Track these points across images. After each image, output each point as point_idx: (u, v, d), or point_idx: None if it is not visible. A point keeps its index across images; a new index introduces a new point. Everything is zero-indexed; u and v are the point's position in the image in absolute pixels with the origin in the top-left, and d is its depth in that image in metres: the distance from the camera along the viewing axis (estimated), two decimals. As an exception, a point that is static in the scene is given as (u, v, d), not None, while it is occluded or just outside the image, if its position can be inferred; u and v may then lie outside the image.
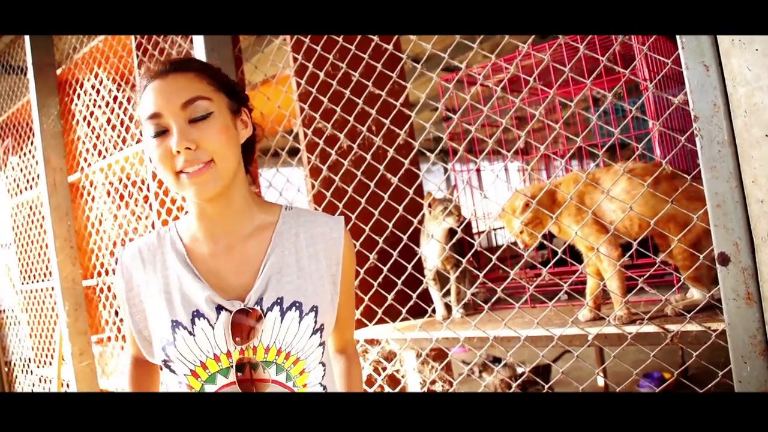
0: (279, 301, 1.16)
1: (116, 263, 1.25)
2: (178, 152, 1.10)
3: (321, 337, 1.20)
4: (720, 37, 1.20)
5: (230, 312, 1.13)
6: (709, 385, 1.47)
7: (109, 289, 3.08)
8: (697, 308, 1.53)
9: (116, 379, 3.10)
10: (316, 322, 1.18)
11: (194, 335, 1.12)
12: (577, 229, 1.63)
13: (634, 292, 1.61)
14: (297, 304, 1.16)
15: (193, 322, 1.13)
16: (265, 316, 1.14)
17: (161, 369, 1.21)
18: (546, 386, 1.82)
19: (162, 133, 1.12)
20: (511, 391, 2.17)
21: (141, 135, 2.74)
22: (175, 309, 1.15)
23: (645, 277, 1.67)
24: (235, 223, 1.21)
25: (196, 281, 1.17)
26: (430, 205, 2.07)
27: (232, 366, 1.13)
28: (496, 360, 4.61)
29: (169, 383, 1.20)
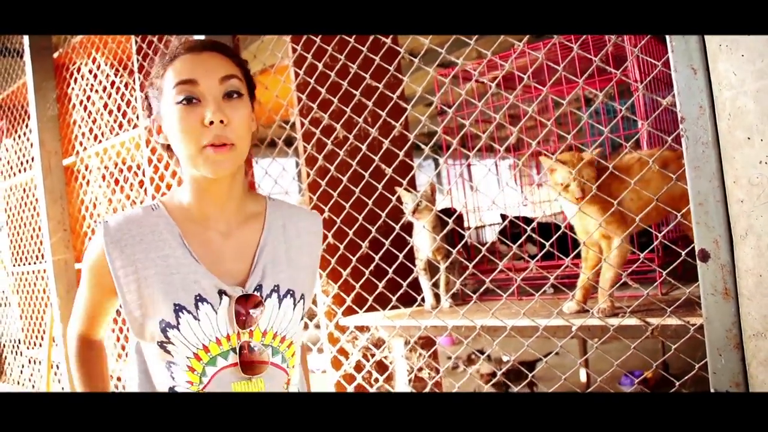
0: (276, 288, 1.21)
1: (101, 233, 1.18)
2: (211, 123, 1.10)
3: (303, 322, 1.29)
4: (708, 42, 1.24)
5: (231, 297, 1.17)
6: (685, 377, 1.53)
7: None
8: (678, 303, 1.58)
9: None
10: (303, 308, 1.26)
11: (199, 319, 1.14)
12: (602, 220, 1.65)
13: (617, 285, 1.66)
14: (291, 292, 1.23)
15: (197, 307, 1.14)
16: (264, 302, 1.19)
17: (158, 346, 1.17)
18: (530, 375, 1.88)
19: (190, 101, 1.12)
20: (494, 381, 2.22)
21: (138, 119, 2.76)
22: (177, 292, 1.15)
23: (628, 272, 1.72)
24: (232, 209, 1.23)
25: (196, 265, 1.17)
26: (399, 201, 2.11)
27: (231, 349, 1.16)
28: (482, 353, 4.67)
29: (152, 362, 1.21)
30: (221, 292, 1.17)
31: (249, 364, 1.16)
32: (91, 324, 1.30)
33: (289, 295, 1.23)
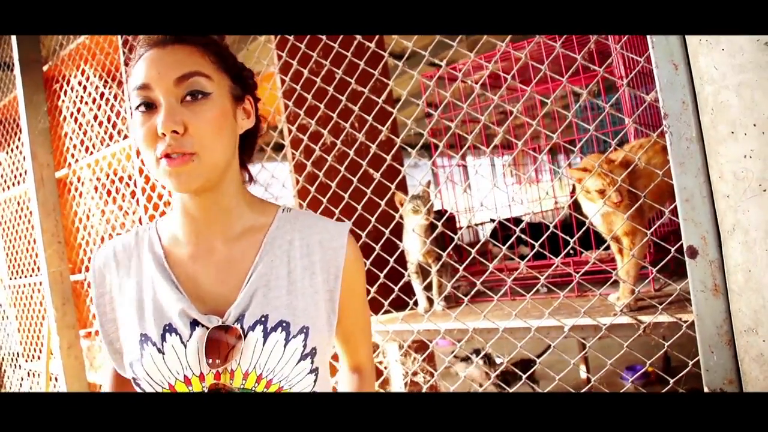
0: (263, 319, 1.00)
1: (91, 268, 1.11)
2: (164, 134, 0.94)
3: (313, 363, 1.02)
4: (688, 38, 1.24)
5: (206, 328, 0.98)
6: (680, 375, 1.52)
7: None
8: (669, 300, 1.58)
9: (104, 372, 3.12)
10: (305, 345, 1.01)
11: (164, 353, 0.98)
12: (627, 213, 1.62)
13: (609, 283, 1.65)
14: (284, 324, 1.00)
15: (163, 338, 0.99)
16: (245, 335, 0.98)
17: (134, 383, 1.04)
18: (524, 376, 1.87)
19: (148, 107, 0.97)
20: (490, 382, 2.22)
21: (128, 130, 2.76)
22: (145, 321, 1.01)
23: (608, 271, 1.71)
24: (222, 222, 1.06)
25: (171, 289, 1.03)
26: (400, 204, 2.11)
27: (204, 391, 0.98)
28: (478, 353, 4.64)
29: None
30: (194, 323, 0.99)
31: None
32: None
33: (280, 329, 1.00)
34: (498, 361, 2.84)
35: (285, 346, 0.99)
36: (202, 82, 0.98)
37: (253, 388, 0.98)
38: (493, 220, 2.35)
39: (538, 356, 3.56)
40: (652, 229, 1.60)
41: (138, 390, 1.03)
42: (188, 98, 0.97)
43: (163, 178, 0.97)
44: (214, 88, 1.00)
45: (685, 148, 1.26)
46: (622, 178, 1.61)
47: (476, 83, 1.80)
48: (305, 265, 1.06)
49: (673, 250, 1.48)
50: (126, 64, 2.66)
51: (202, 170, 0.97)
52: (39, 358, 3.68)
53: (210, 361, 0.97)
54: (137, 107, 0.98)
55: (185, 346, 0.98)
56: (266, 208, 1.13)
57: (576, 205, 1.84)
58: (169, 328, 0.99)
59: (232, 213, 1.07)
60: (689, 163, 1.26)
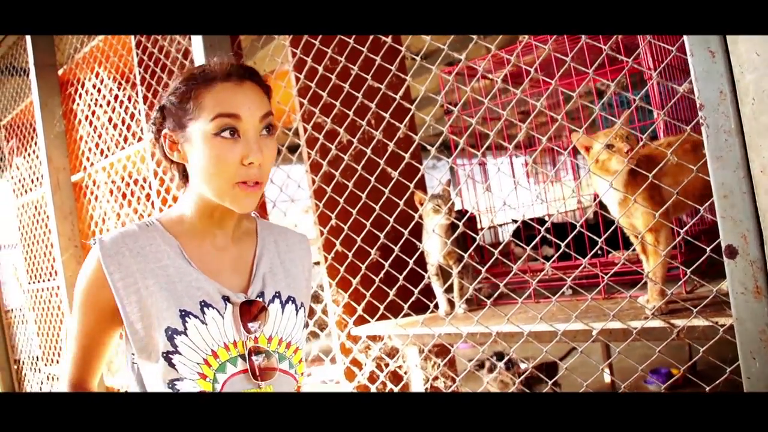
0: (278, 294, 1.24)
1: (97, 249, 1.15)
2: (250, 163, 1.10)
3: (306, 330, 1.32)
4: (726, 23, 1.17)
5: (235, 303, 1.18)
6: (717, 382, 1.44)
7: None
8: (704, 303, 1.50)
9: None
10: (305, 316, 1.30)
11: (206, 324, 1.14)
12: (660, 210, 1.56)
13: (639, 285, 1.58)
14: (292, 299, 1.26)
15: (203, 311, 1.14)
16: (267, 308, 1.20)
17: (163, 360, 1.13)
18: (550, 383, 1.80)
19: (230, 135, 1.10)
20: (514, 388, 2.15)
21: (142, 132, 2.73)
22: (182, 299, 1.14)
23: (635, 272, 1.63)
24: (230, 226, 1.24)
25: (198, 273, 1.17)
26: (420, 203, 2.05)
27: (239, 355, 1.16)
28: (500, 357, 4.56)
29: (155, 385, 1.16)
30: (225, 298, 1.17)
31: (258, 370, 1.17)
32: (86, 367, 1.23)
33: (290, 302, 1.26)
34: (523, 366, 2.77)
35: (296, 315, 1.26)
36: (273, 121, 1.16)
37: (277, 350, 1.21)
38: (515, 221, 2.27)
39: (561, 359, 3.49)
40: (686, 228, 1.52)
41: (159, 367, 1.14)
42: (266, 132, 1.14)
43: (232, 201, 1.14)
44: (275, 125, 1.19)
45: (723, 140, 1.20)
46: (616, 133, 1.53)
47: (497, 78, 1.73)
48: (290, 258, 1.32)
49: (708, 249, 1.40)
50: (140, 66, 2.64)
51: (261, 193, 1.17)
52: (58, 362, 3.68)
53: (244, 328, 1.17)
54: (220, 132, 1.10)
55: (223, 318, 1.16)
56: (248, 216, 1.34)
57: (602, 205, 1.76)
58: (205, 304, 1.15)
59: (236, 219, 1.25)
60: (728, 157, 1.19)
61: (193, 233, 1.22)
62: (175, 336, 1.12)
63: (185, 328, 1.13)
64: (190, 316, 1.13)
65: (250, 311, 1.18)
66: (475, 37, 1.59)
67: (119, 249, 1.15)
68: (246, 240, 1.28)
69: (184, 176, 1.23)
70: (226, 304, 1.17)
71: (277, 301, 1.23)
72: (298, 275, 1.31)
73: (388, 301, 1.99)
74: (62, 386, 1.26)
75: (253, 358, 1.17)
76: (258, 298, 1.21)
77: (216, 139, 1.10)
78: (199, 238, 1.22)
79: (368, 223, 1.97)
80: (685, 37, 1.23)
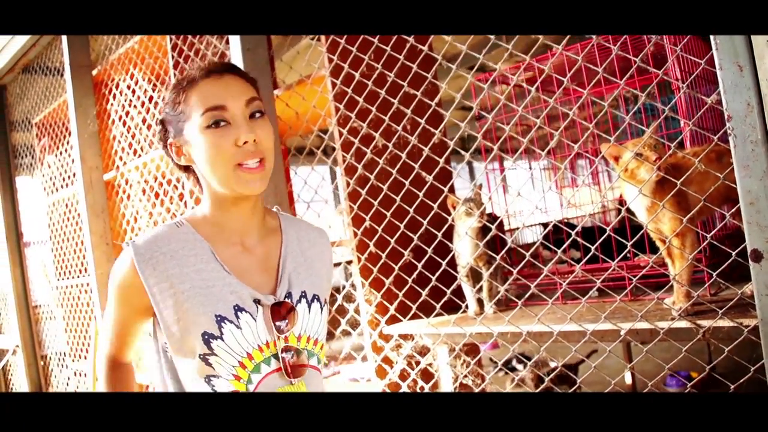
0: (304, 294, 1.28)
1: (130, 253, 1.19)
2: (245, 143, 1.16)
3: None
4: (754, 38, 1.22)
5: (266, 306, 1.22)
6: (741, 380, 1.49)
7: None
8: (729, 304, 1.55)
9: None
10: (329, 312, 1.38)
11: (241, 328, 1.18)
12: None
13: (666, 287, 1.63)
14: (317, 297, 1.31)
15: (237, 316, 1.19)
16: (295, 308, 1.25)
17: (201, 360, 1.19)
18: (579, 380, 1.86)
19: (220, 125, 1.17)
20: (543, 386, 2.20)
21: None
22: (216, 304, 1.18)
23: (661, 275, 1.69)
24: (255, 224, 1.29)
25: (230, 277, 1.22)
26: (453, 207, 2.12)
27: (272, 355, 1.21)
28: (521, 360, 4.61)
29: (190, 378, 1.22)
30: (256, 301, 1.22)
31: (291, 368, 1.21)
32: (121, 346, 1.33)
33: (315, 300, 1.30)
34: (552, 364, 2.82)
35: (321, 313, 1.30)
36: (260, 105, 1.22)
37: (306, 347, 1.25)
38: (544, 225, 2.33)
39: (582, 361, 3.53)
40: (712, 233, 1.58)
41: (189, 363, 1.20)
42: (252, 117, 1.20)
43: (237, 184, 1.18)
44: (264, 110, 1.23)
45: (749, 150, 1.25)
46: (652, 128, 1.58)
47: (529, 86, 1.80)
48: (312, 255, 1.35)
49: (734, 253, 1.45)
50: (175, 68, 2.70)
51: (266, 174, 1.20)
52: (85, 358, 3.74)
53: (276, 329, 1.21)
54: (209, 126, 1.17)
55: (256, 321, 1.20)
56: (271, 212, 1.38)
57: (629, 210, 1.82)
58: (238, 308, 1.19)
59: (260, 217, 1.30)
60: (754, 166, 1.25)
61: (220, 234, 1.26)
62: (211, 340, 1.17)
63: (221, 333, 1.17)
64: (226, 321, 1.18)
65: (280, 312, 1.22)
66: (507, 44, 1.65)
67: (153, 253, 1.19)
68: (272, 237, 1.32)
69: (198, 181, 1.29)
70: (257, 307, 1.21)
71: (303, 301, 1.27)
72: (320, 271, 1.35)
73: (420, 301, 2.04)
74: (100, 362, 1.36)
75: (284, 355, 1.21)
76: (286, 299, 1.25)
77: (209, 131, 1.16)
78: (227, 240, 1.26)
79: (402, 225, 2.02)
80: (714, 51, 1.28)
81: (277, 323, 1.22)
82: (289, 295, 1.26)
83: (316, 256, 1.36)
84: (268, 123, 1.22)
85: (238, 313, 1.19)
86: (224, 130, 1.17)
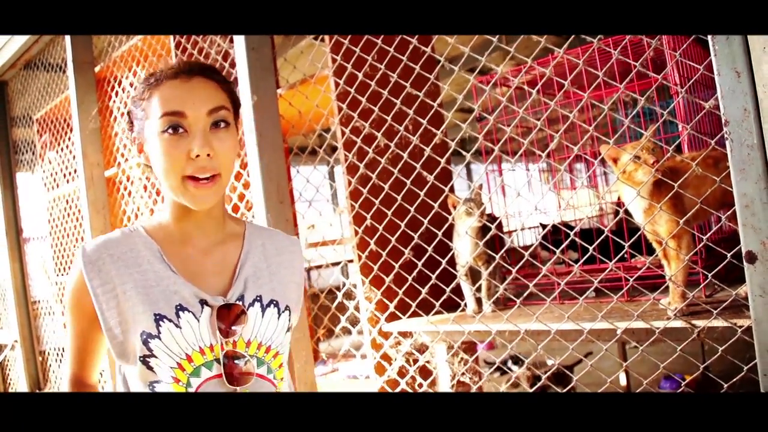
0: (258, 298, 1.23)
1: (79, 257, 1.17)
2: (197, 156, 1.11)
3: (290, 334, 1.30)
4: (752, 45, 1.24)
5: (213, 307, 1.17)
6: (734, 379, 1.52)
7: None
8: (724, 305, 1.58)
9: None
10: (289, 320, 1.27)
11: (180, 327, 1.14)
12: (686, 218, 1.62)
13: (662, 288, 1.65)
14: (275, 302, 1.24)
15: (177, 315, 1.14)
16: (246, 311, 1.19)
17: (142, 363, 1.15)
18: (575, 378, 1.89)
19: (178, 131, 1.12)
20: (539, 385, 2.23)
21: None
22: (157, 303, 1.14)
23: (657, 276, 1.71)
24: (211, 228, 1.24)
25: (176, 277, 1.18)
26: (453, 206, 2.14)
27: (215, 359, 1.16)
28: (516, 361, 4.63)
29: (137, 387, 1.18)
30: (203, 302, 1.17)
31: (234, 375, 1.16)
32: (82, 365, 1.27)
33: (272, 305, 1.24)
34: (549, 362, 2.85)
35: (278, 319, 1.24)
36: (225, 114, 1.16)
37: (256, 354, 1.19)
38: (544, 225, 2.36)
39: (578, 362, 3.56)
40: (708, 236, 1.61)
41: (138, 371, 1.16)
42: (216, 127, 1.15)
43: (184, 197, 1.14)
44: (231, 120, 1.19)
45: (746, 154, 1.27)
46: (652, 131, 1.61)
47: (530, 89, 1.82)
48: (278, 262, 1.31)
49: (729, 255, 1.48)
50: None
51: (219, 190, 1.16)
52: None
53: (220, 332, 1.16)
54: (165, 131, 1.12)
55: (198, 321, 1.15)
56: (238, 220, 1.34)
57: (626, 212, 1.85)
58: (180, 308, 1.15)
59: (219, 221, 1.26)
60: (750, 170, 1.27)
61: (173, 237, 1.22)
62: (149, 340, 1.13)
63: (159, 333, 1.13)
64: (165, 320, 1.13)
65: (228, 315, 1.17)
66: (494, 40, 1.68)
67: (100, 256, 1.17)
68: (232, 243, 1.27)
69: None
70: (203, 308, 1.16)
71: (257, 304, 1.21)
72: (284, 278, 1.30)
73: (419, 299, 2.07)
74: (64, 382, 1.30)
75: (234, 362, 1.16)
76: (237, 302, 1.19)
77: (163, 136, 1.11)
78: (180, 243, 1.22)
79: (402, 224, 2.04)
80: (712, 57, 1.30)
81: (226, 326, 1.16)
82: (241, 298, 1.21)
83: (283, 263, 1.32)
84: (232, 135, 1.18)
85: (180, 312, 1.14)
86: (179, 139, 1.12)
